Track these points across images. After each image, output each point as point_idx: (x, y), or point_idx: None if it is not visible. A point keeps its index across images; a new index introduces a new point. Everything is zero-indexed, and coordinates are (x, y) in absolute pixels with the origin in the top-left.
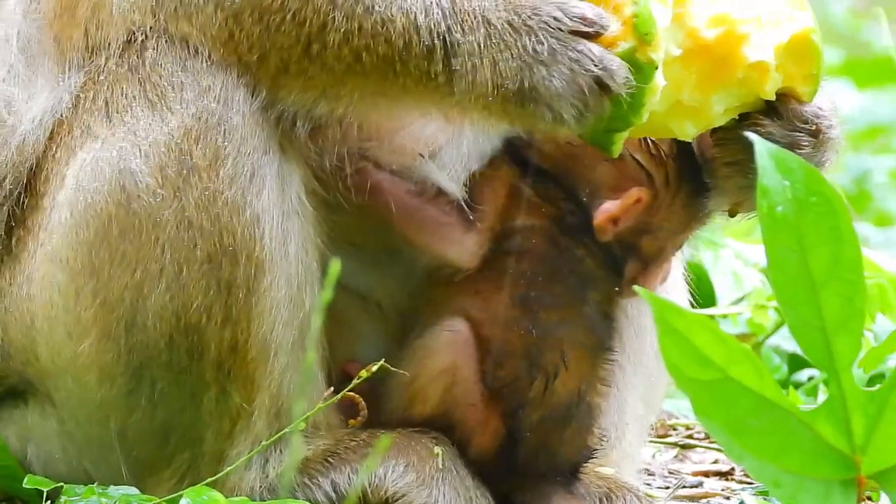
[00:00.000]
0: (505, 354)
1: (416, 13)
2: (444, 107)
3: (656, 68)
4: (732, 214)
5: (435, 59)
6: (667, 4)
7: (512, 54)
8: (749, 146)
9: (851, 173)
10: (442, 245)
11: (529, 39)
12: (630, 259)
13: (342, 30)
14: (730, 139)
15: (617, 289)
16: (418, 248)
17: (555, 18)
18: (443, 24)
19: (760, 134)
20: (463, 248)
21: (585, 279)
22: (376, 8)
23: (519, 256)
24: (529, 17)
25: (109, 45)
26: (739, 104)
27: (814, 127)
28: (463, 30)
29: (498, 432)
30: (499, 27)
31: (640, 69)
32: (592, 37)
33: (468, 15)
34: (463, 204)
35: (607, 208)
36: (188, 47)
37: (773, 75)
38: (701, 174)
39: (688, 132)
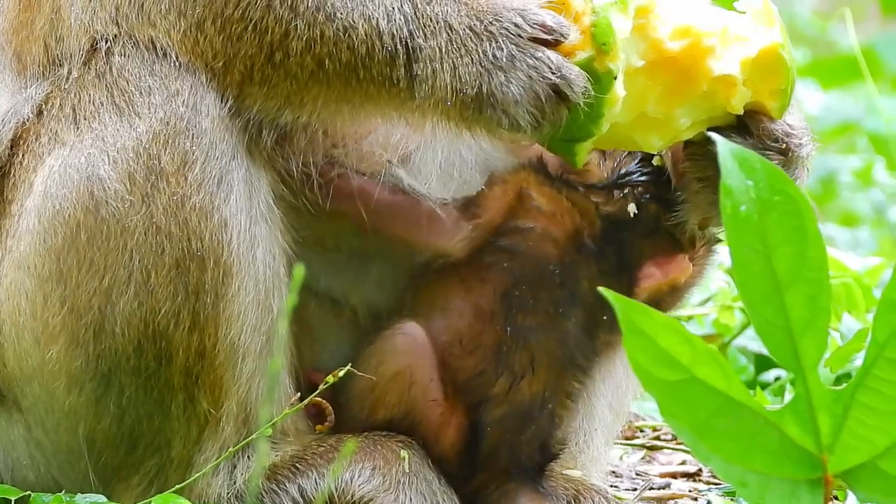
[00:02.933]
0: (476, 345)
1: (378, 19)
2: (406, 112)
3: (615, 78)
4: (702, 228)
5: (397, 65)
6: (628, 15)
7: (472, 59)
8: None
9: (817, 173)
10: (431, 234)
11: (490, 45)
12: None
13: (304, 38)
14: (700, 155)
15: (605, 317)
16: (407, 241)
17: (515, 25)
18: (405, 30)
19: None
20: (452, 235)
21: (575, 296)
22: (338, 15)
23: (512, 254)
24: (491, 22)
25: (72, 55)
26: (706, 118)
27: (783, 145)
28: (425, 35)
29: (462, 425)
30: (460, 32)
31: (599, 79)
32: (552, 44)
33: (430, 20)
34: (462, 200)
35: (652, 275)
36: (155, 50)
37: (741, 89)
38: (671, 187)
39: (653, 145)
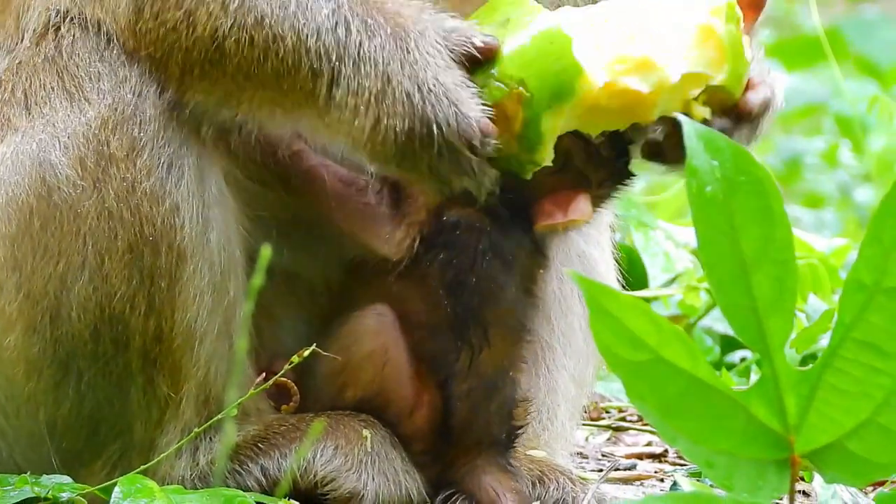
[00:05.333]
0: (433, 330)
1: (308, 35)
2: (326, 129)
3: (538, 167)
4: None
5: (319, 84)
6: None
7: (399, 122)
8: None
9: (782, 154)
10: (370, 236)
11: (420, 125)
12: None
13: (233, 38)
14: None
15: (542, 270)
16: (347, 235)
17: (453, 116)
18: (333, 55)
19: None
20: (391, 240)
21: (509, 263)
22: (266, 22)
23: (443, 248)
24: (429, 89)
25: (29, 27)
26: None
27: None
28: (357, 69)
29: (434, 403)
30: (397, 91)
31: (522, 167)
32: (474, 149)
33: (367, 59)
34: (393, 192)
35: (551, 214)
36: (103, 35)
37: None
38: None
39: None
